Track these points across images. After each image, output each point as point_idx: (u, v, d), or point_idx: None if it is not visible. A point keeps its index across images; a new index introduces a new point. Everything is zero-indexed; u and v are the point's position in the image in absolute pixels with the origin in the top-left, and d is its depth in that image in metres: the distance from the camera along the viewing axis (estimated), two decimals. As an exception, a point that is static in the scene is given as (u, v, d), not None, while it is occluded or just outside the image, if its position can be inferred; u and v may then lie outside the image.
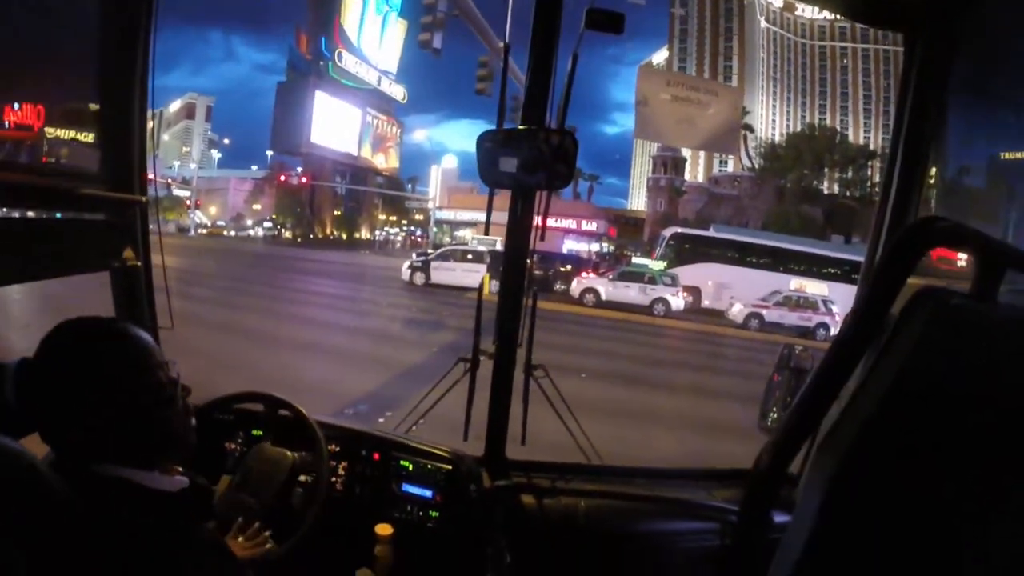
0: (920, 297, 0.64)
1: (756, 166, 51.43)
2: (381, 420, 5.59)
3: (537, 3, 1.68)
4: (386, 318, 14.94)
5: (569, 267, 24.43)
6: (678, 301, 20.39)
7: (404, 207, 63.72)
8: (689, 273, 23.27)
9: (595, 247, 43.68)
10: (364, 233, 62.42)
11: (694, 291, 22.86)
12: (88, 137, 1.89)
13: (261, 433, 1.92)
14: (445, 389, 2.20)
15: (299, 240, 54.11)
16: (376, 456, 1.93)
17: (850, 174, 51.38)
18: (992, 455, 0.62)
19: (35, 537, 0.85)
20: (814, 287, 22.34)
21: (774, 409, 1.81)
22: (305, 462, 1.79)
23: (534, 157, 1.66)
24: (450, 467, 1.89)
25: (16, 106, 1.84)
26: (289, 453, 1.78)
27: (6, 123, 1.79)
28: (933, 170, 1.93)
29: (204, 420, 1.61)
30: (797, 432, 0.76)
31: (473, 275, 20.95)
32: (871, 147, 59.77)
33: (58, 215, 1.76)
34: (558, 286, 22.75)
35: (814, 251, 26.68)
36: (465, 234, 46.42)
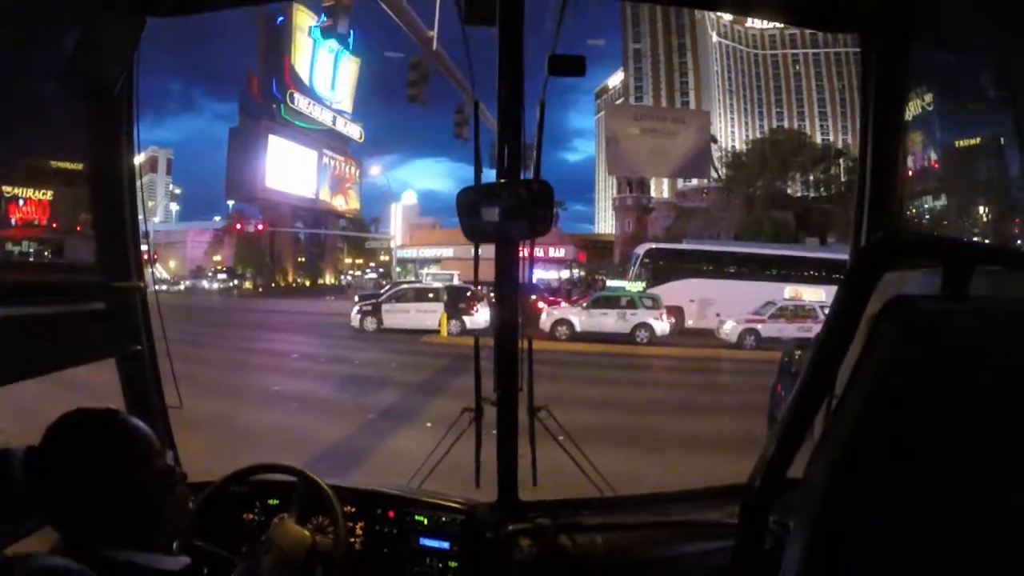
0: (891, 307, 0.65)
1: (722, 176, 50.81)
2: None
3: (500, 58, 1.74)
4: (317, 377, 12.47)
5: (533, 297, 22.48)
6: (663, 325, 18.40)
7: (370, 249, 61.83)
8: (668, 292, 21.19)
9: (565, 274, 42.14)
10: (329, 278, 60.48)
11: (676, 311, 20.77)
12: (82, 228, 1.98)
13: (277, 503, 1.92)
14: (452, 440, 2.23)
15: (260, 290, 51.75)
16: (391, 514, 1.95)
17: (819, 175, 51.25)
18: (979, 441, 0.63)
19: None
20: (811, 294, 20.52)
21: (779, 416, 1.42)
22: (325, 542, 1.77)
23: (514, 207, 1.69)
24: (464, 517, 1.93)
25: (21, 203, 2.05)
26: (308, 534, 1.75)
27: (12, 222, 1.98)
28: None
29: (220, 494, 1.86)
30: (789, 439, 0.73)
31: (430, 315, 18.84)
32: (837, 146, 59.79)
33: (61, 308, 1.77)
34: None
35: (799, 254, 25.14)
36: (434, 271, 44.83)
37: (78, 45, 1.63)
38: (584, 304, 19.12)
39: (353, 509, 1.94)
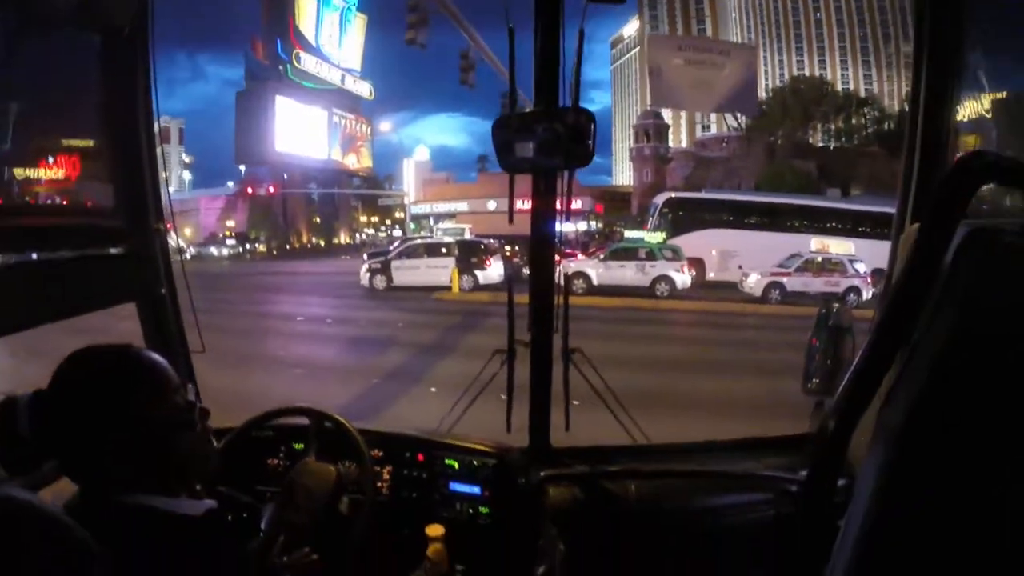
0: (970, 239, 0.61)
1: (742, 125, 49.58)
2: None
3: None
4: (322, 341, 11.94)
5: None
6: (684, 277, 17.63)
7: (384, 206, 61.31)
8: (688, 243, 20.21)
9: (582, 226, 41.16)
10: (344, 237, 60.08)
11: (696, 263, 19.83)
12: (101, 173, 1.95)
13: (302, 447, 1.83)
14: (484, 383, 2.17)
15: (274, 253, 51.54)
16: (420, 457, 1.93)
17: (841, 124, 50.07)
18: None
19: None
20: (838, 246, 19.54)
21: (817, 372, 1.73)
22: (350, 472, 1.75)
23: (551, 139, 1.65)
24: (496, 461, 1.89)
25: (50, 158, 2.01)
26: (332, 468, 1.69)
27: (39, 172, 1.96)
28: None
29: (243, 439, 1.82)
30: (860, 392, 0.70)
31: (441, 271, 18.22)
32: (859, 95, 58.25)
33: (82, 252, 1.77)
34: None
35: (826, 205, 24.01)
36: (446, 225, 44.33)
37: None
38: (601, 256, 18.37)
39: (381, 453, 1.92)
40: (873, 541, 0.63)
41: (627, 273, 17.38)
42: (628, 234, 26.11)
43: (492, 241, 20.49)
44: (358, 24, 60.07)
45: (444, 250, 19.25)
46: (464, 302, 16.14)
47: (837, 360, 1.69)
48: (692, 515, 1.85)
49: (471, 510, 1.87)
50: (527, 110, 1.75)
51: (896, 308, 0.66)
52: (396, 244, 22.81)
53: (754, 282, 17.34)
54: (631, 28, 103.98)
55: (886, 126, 48.45)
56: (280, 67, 52.14)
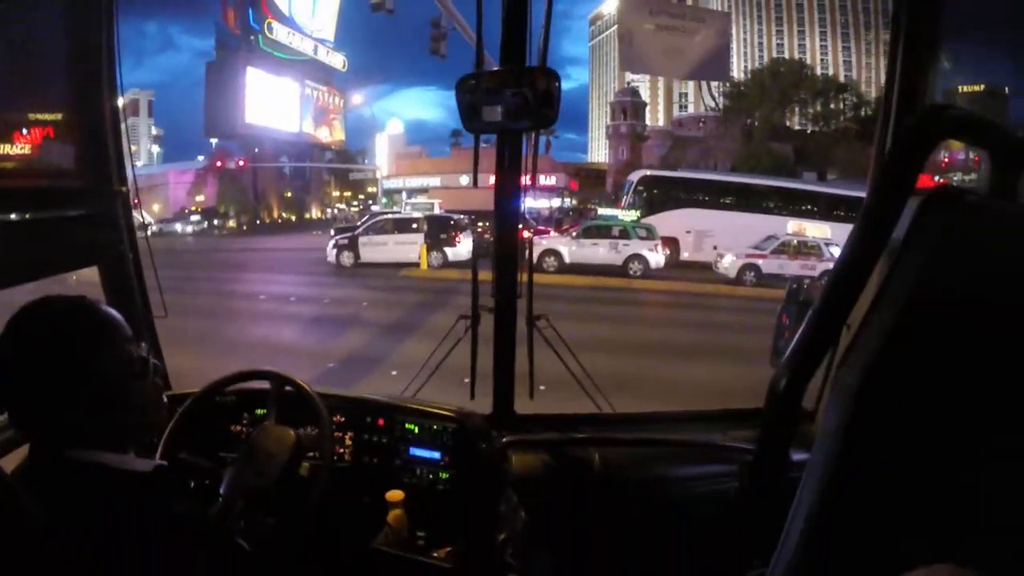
0: (933, 199, 0.60)
1: (720, 105, 49.47)
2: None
3: None
4: (282, 320, 11.33)
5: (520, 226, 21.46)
6: (658, 257, 17.26)
7: (357, 180, 60.19)
8: (663, 222, 19.78)
9: (555, 203, 40.90)
10: (316, 212, 58.89)
11: (671, 243, 19.59)
12: (64, 135, 1.91)
13: (264, 412, 1.77)
14: (448, 348, 2.18)
15: (244, 228, 50.41)
16: (381, 422, 1.92)
17: (819, 108, 50.48)
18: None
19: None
20: (815, 229, 19.35)
21: (786, 346, 1.51)
22: (310, 436, 1.70)
23: (518, 100, 1.62)
24: (457, 426, 1.88)
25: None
26: (291, 431, 1.66)
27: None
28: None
29: (205, 404, 1.76)
30: (809, 359, 0.70)
31: (410, 248, 17.63)
32: (839, 80, 58.63)
33: (42, 215, 1.76)
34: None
35: (804, 187, 23.85)
36: (416, 200, 43.70)
37: None
38: (575, 233, 17.88)
39: (342, 419, 1.90)
40: (828, 504, 0.61)
41: (600, 251, 16.95)
42: (601, 211, 25.67)
43: (462, 217, 19.96)
44: (333, -8, 58.44)
45: (414, 226, 18.63)
46: (432, 279, 15.66)
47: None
48: (655, 484, 1.84)
49: (431, 475, 1.86)
50: (494, 69, 1.71)
51: (845, 272, 0.65)
52: (366, 219, 22.11)
53: (729, 263, 16.90)
54: (610, 6, 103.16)
55: (863, 112, 49.06)
56: (252, 37, 50.56)
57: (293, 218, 56.20)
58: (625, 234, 17.45)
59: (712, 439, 1.91)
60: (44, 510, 0.88)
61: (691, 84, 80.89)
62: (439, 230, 18.13)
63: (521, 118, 1.64)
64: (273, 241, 32.36)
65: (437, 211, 25.90)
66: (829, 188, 23.66)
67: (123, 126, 1.90)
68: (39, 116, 1.95)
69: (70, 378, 0.98)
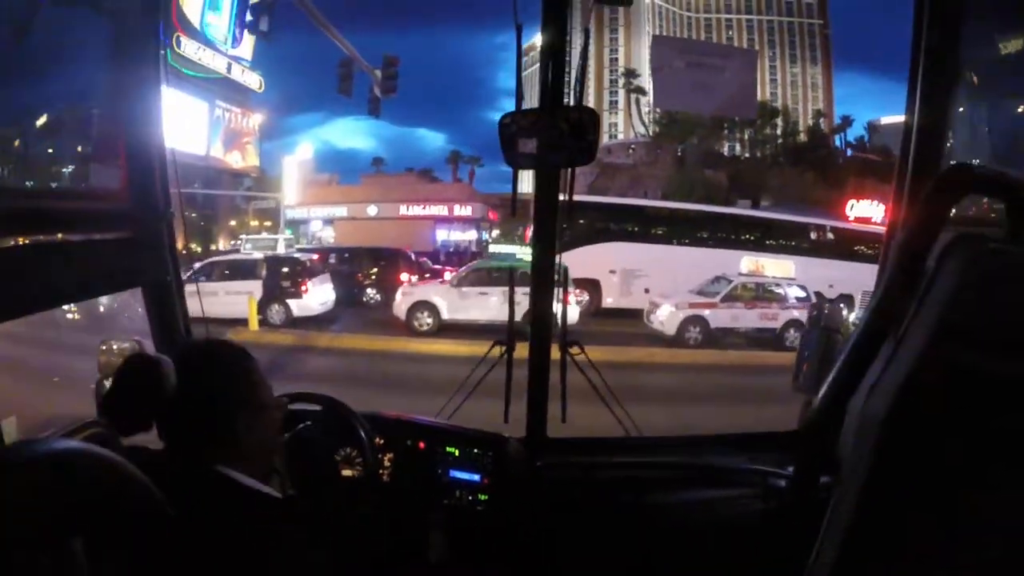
0: (956, 244, 0.65)
1: (651, 132, 47.16)
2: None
3: None
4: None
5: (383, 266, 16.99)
6: (568, 309, 12.71)
7: (263, 210, 54.49)
8: (580, 259, 14.14)
9: (472, 235, 37.03)
10: (223, 244, 52.75)
11: (590, 285, 15.50)
12: (110, 156, 1.92)
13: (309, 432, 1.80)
14: (483, 373, 2.22)
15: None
16: (421, 445, 1.95)
17: (753, 134, 50.91)
18: None
19: (136, 545, 0.88)
20: (776, 267, 14.72)
21: (805, 368, 1.82)
22: (351, 457, 1.80)
23: (555, 136, 1.72)
24: (495, 450, 1.93)
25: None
26: (334, 450, 1.78)
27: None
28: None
29: None
30: (846, 388, 0.74)
31: (241, 300, 12.56)
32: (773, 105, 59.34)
33: (87, 236, 1.76)
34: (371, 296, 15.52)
35: (757, 215, 19.83)
36: (324, 233, 39.83)
37: None
38: (454, 280, 13.17)
39: (383, 440, 1.93)
40: (857, 529, 0.65)
41: (490, 302, 12.18)
42: (494, 248, 20.68)
43: (314, 257, 15.14)
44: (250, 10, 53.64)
45: (241, 270, 13.72)
46: (260, 345, 10.69)
47: (827, 360, 1.75)
48: (682, 507, 1.90)
49: (471, 497, 1.90)
50: (527, 108, 1.77)
51: (881, 309, 0.71)
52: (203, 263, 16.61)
53: (666, 316, 12.52)
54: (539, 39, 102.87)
55: (794, 139, 49.54)
56: (160, 51, 45.16)
57: (199, 249, 50.37)
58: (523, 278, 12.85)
59: (738, 463, 1.97)
60: (178, 508, 0.89)
61: (620, 113, 79.57)
62: (280, 276, 13.16)
63: (558, 152, 1.74)
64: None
65: (281, 249, 20.77)
66: (793, 216, 19.53)
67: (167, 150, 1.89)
68: (87, 139, 2.07)
69: (224, 405, 1.10)
